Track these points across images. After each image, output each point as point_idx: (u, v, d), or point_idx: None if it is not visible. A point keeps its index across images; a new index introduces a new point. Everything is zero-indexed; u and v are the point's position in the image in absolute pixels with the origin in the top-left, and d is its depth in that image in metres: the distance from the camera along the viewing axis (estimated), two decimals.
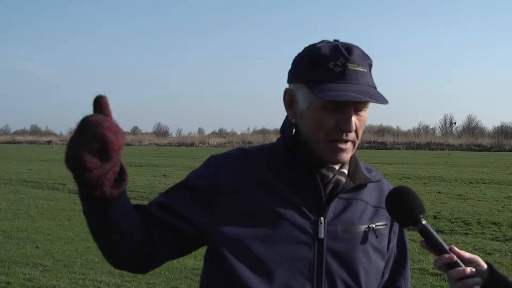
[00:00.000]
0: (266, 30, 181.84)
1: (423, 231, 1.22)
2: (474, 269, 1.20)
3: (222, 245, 1.27)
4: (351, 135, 1.28)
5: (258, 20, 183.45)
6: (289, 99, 1.34)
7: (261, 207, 1.28)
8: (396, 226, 1.41)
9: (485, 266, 1.24)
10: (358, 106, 1.27)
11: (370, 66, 1.30)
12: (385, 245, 1.40)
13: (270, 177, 1.31)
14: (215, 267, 1.31)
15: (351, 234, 1.32)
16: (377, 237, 1.36)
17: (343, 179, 1.34)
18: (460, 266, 1.20)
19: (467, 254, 1.23)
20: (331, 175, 1.32)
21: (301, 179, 1.31)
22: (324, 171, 1.31)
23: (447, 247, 1.22)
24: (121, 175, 1.16)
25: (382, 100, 1.24)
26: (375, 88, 1.29)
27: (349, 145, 1.29)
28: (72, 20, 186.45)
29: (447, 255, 1.20)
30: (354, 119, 1.26)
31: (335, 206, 1.32)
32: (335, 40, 1.31)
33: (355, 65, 1.25)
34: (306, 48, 1.32)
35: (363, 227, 1.33)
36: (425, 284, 5.88)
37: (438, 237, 1.22)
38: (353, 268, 1.30)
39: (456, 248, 1.22)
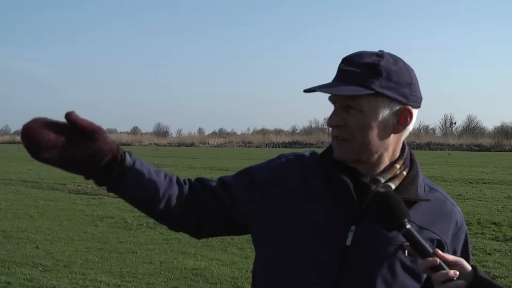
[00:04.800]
0: (266, 30, 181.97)
1: (408, 235, 1.23)
2: (457, 272, 1.21)
3: (257, 237, 1.40)
4: (337, 131, 1.31)
5: (258, 20, 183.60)
6: None
7: (298, 207, 1.33)
8: (458, 248, 1.39)
9: (469, 268, 1.24)
10: (345, 103, 1.29)
11: (369, 66, 1.28)
12: None
13: (316, 180, 1.35)
14: (258, 254, 1.42)
15: (379, 247, 1.29)
16: (410, 255, 1.30)
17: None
18: (444, 269, 1.20)
19: (451, 257, 1.24)
20: (373, 187, 1.31)
21: (342, 186, 1.32)
22: (365, 180, 1.32)
23: (431, 250, 1.23)
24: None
25: (339, 92, 1.27)
26: (363, 86, 1.26)
27: (342, 143, 1.31)
28: (72, 20, 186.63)
29: (431, 259, 1.21)
30: (343, 115, 1.29)
31: (371, 217, 1.28)
32: (379, 51, 1.33)
33: (345, 65, 1.30)
34: None
35: (396, 243, 1.29)
36: None
37: (422, 240, 1.23)
38: (372, 280, 1.29)
39: (440, 252, 1.23)
